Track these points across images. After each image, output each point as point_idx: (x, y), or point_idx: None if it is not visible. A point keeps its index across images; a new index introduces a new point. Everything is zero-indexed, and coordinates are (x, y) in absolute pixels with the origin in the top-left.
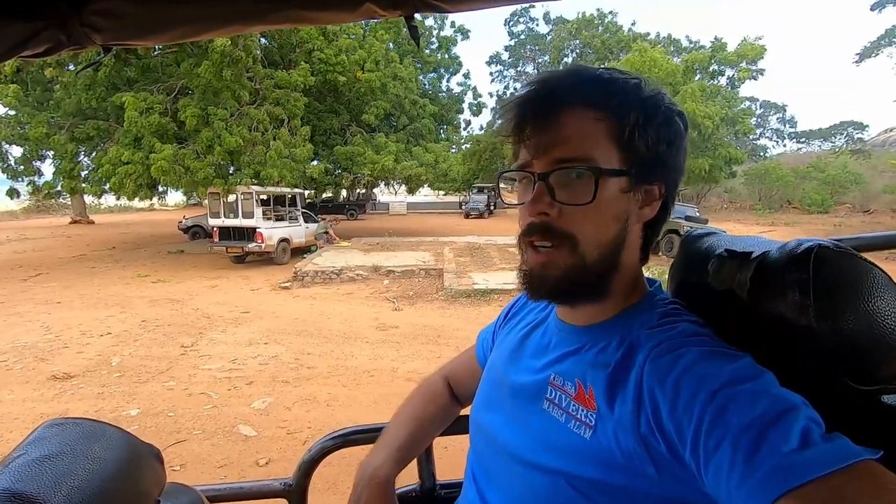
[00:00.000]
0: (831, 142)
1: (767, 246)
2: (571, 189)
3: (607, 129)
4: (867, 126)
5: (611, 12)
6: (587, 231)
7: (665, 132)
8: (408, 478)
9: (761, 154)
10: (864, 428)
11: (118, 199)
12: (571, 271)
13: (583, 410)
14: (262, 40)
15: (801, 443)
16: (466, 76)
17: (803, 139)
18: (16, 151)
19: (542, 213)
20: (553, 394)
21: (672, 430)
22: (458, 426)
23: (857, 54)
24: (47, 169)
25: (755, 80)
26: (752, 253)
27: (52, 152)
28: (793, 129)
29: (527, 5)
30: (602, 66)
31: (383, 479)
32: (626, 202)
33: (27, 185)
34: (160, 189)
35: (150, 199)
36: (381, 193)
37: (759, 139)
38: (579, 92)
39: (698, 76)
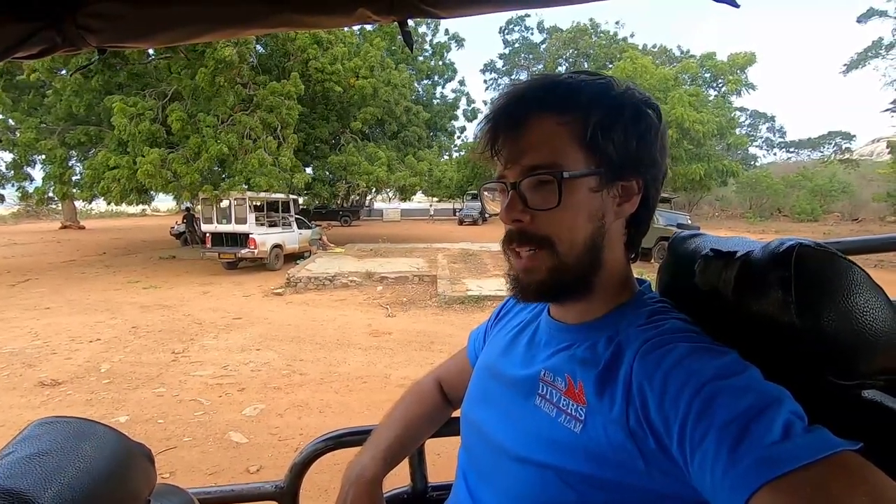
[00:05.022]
0: (820, 151)
1: (751, 246)
2: (540, 195)
3: (571, 132)
4: (855, 136)
5: (616, 22)
6: (562, 233)
7: (634, 128)
8: (400, 480)
9: (752, 163)
10: (845, 422)
11: (108, 204)
12: (553, 273)
13: (573, 405)
14: (258, 48)
15: (783, 435)
16: (462, 83)
17: (793, 149)
18: (5, 157)
19: (517, 220)
20: (544, 389)
21: (660, 424)
22: (452, 428)
23: (844, 65)
24: (37, 175)
25: (740, 95)
26: (736, 252)
27: (42, 157)
28: (782, 139)
29: (522, 13)
30: (570, 71)
31: (370, 478)
32: (599, 201)
33: (17, 191)
34: (149, 194)
35: (139, 204)
36: (376, 200)
37: (748, 149)
38: (544, 99)
39: (689, 84)
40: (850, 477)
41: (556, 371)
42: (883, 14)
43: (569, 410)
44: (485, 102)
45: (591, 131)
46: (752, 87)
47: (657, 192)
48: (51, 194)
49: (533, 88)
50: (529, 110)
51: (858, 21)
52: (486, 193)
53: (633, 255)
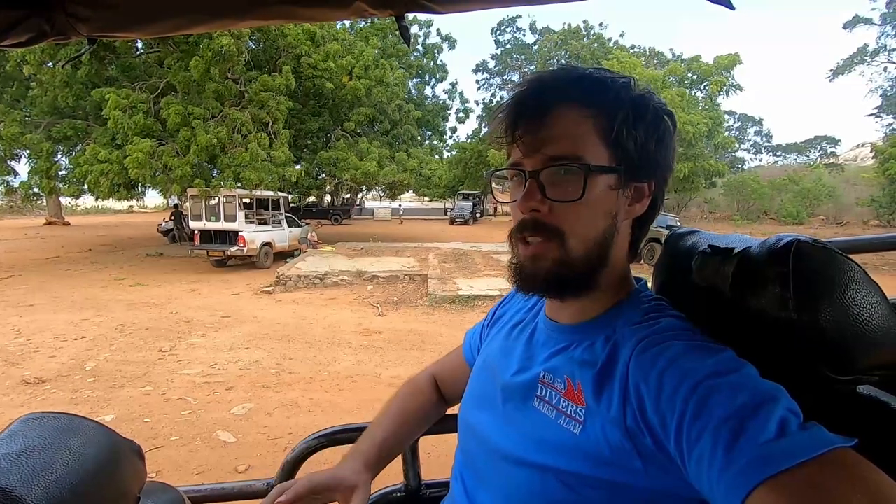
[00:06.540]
0: (806, 155)
1: (749, 242)
2: (561, 186)
3: (596, 126)
4: (840, 141)
5: (600, 24)
6: (576, 227)
7: (654, 130)
8: (391, 479)
9: (739, 166)
10: (842, 417)
11: (96, 199)
12: (560, 265)
13: (572, 406)
14: (249, 44)
15: (778, 433)
16: (454, 85)
17: (779, 152)
18: None
19: (534, 209)
20: (544, 391)
21: (656, 423)
22: (446, 425)
23: (830, 71)
24: (21, 169)
25: (729, 94)
26: (734, 249)
27: (27, 151)
28: (769, 143)
29: (514, 14)
30: (593, 66)
31: (352, 484)
32: (614, 199)
33: (1, 185)
34: (138, 189)
35: (128, 200)
36: (367, 199)
37: (736, 151)
38: (569, 90)
39: (676, 86)
40: (846, 474)
41: (555, 373)
42: (868, 21)
43: (568, 412)
44: (477, 103)
45: (617, 128)
46: (739, 87)
47: (663, 195)
48: (36, 190)
49: (558, 78)
50: (554, 99)
51: (844, 28)
52: (494, 182)
53: (633, 256)
